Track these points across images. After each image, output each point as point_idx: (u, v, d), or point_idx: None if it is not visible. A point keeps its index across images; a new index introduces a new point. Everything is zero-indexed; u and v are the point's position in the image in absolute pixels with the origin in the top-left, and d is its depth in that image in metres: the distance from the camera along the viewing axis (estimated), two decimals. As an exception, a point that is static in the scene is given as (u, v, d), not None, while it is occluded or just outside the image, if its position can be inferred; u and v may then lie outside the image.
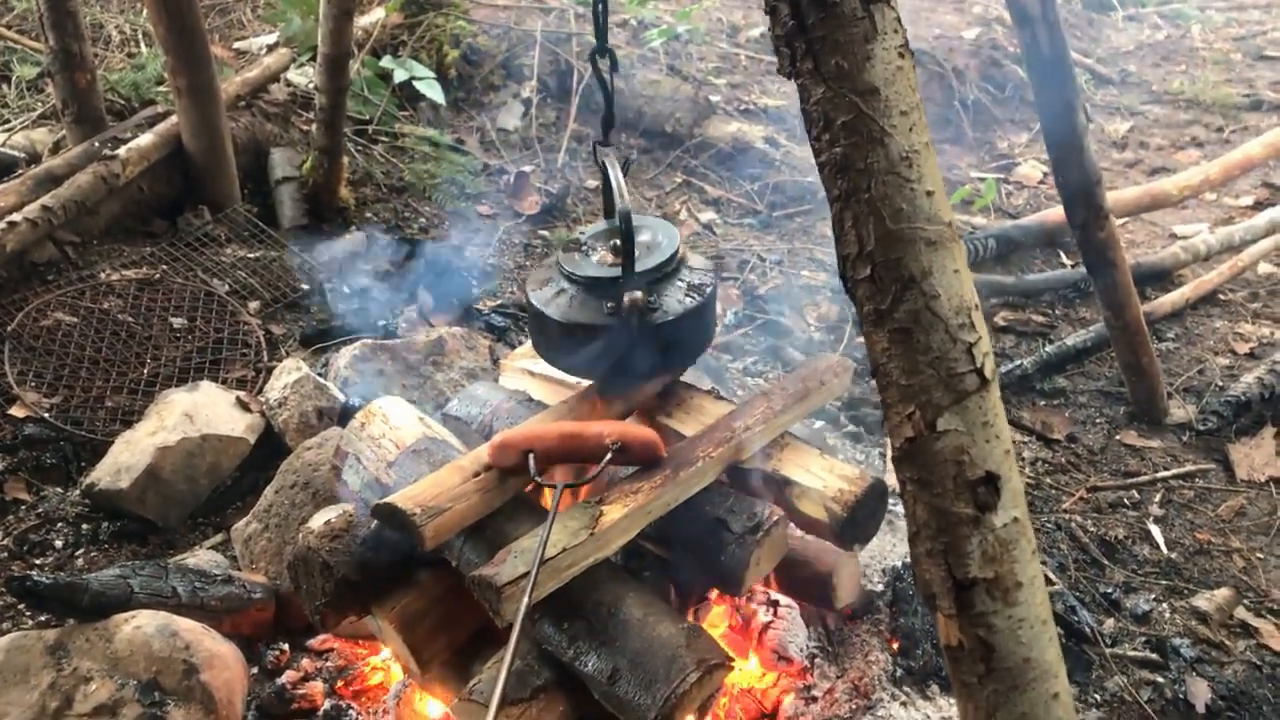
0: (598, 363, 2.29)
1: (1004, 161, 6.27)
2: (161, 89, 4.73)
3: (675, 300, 2.24)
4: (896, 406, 1.20)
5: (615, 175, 2.17)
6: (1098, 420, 3.76)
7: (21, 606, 2.65)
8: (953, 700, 2.24)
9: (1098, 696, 2.54)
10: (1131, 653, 2.68)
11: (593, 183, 5.39)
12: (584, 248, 2.39)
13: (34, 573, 2.54)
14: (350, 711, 2.32)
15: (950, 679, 1.31)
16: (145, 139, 4.26)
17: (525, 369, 2.77)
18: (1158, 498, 3.33)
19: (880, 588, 2.71)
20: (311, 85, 5.01)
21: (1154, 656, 2.67)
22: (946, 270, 1.17)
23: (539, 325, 2.35)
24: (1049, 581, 2.87)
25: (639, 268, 2.21)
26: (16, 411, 3.24)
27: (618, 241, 2.27)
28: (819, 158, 1.20)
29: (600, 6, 2.23)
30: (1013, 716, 1.22)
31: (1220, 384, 3.90)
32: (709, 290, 2.30)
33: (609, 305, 2.21)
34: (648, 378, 2.38)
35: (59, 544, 2.91)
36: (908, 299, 1.16)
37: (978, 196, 5.48)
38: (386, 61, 5.39)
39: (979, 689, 1.23)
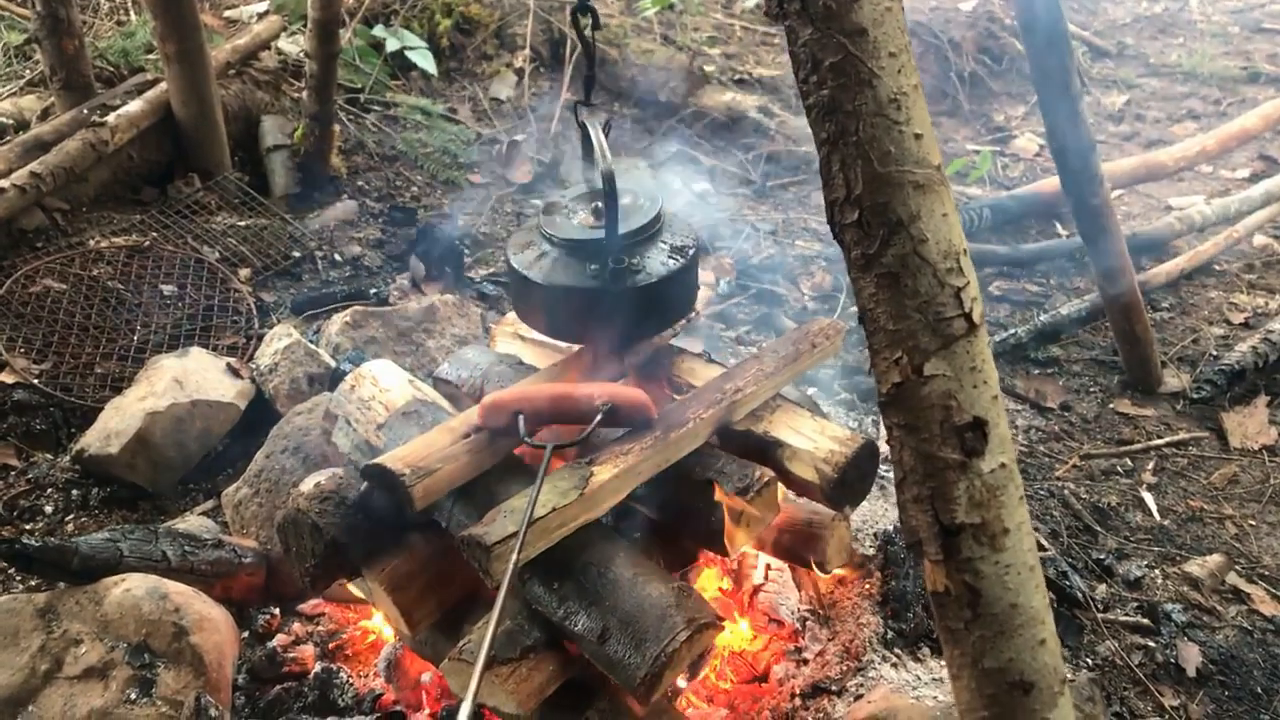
0: (580, 325, 2.28)
1: (1000, 134, 6.25)
2: (151, 56, 4.70)
3: (658, 262, 2.23)
4: (884, 352, 1.19)
5: (596, 135, 2.14)
6: (1092, 389, 3.76)
7: (11, 570, 2.64)
8: (943, 661, 2.24)
9: (1089, 661, 2.55)
10: (1123, 618, 2.69)
11: (585, 150, 5.36)
12: (564, 210, 2.37)
13: (23, 537, 2.53)
14: (341, 674, 2.31)
15: (937, 626, 1.31)
16: (134, 106, 4.23)
17: (516, 333, 2.76)
18: (1151, 465, 3.32)
19: (871, 551, 2.70)
20: (302, 53, 4.97)
21: (1146, 621, 2.67)
22: (935, 214, 1.16)
23: (521, 289, 2.33)
24: (1042, 548, 2.88)
25: (621, 230, 2.19)
26: (6, 378, 3.22)
27: (599, 204, 2.25)
28: (807, 101, 1.18)
29: (582, -35, 2.21)
30: (999, 662, 1.22)
31: (1214, 353, 3.89)
32: (692, 251, 2.28)
33: (591, 268, 2.19)
34: (632, 340, 2.37)
35: (49, 509, 2.90)
36: (895, 243, 1.15)
37: (973, 168, 5.45)
38: (378, 30, 5.35)
39: (965, 635, 1.23)
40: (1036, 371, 3.87)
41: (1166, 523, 3.08)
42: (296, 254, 4.13)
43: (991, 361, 1.20)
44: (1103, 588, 2.80)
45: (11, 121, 4.30)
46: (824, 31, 1.13)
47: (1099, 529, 3.03)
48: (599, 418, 2.04)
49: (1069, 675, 2.43)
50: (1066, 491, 3.16)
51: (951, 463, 1.17)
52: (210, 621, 2.27)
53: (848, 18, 1.13)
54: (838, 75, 1.14)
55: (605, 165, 2.06)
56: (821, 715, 2.24)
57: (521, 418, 2.04)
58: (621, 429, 2.11)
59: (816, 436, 2.18)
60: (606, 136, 2.15)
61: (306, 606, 2.57)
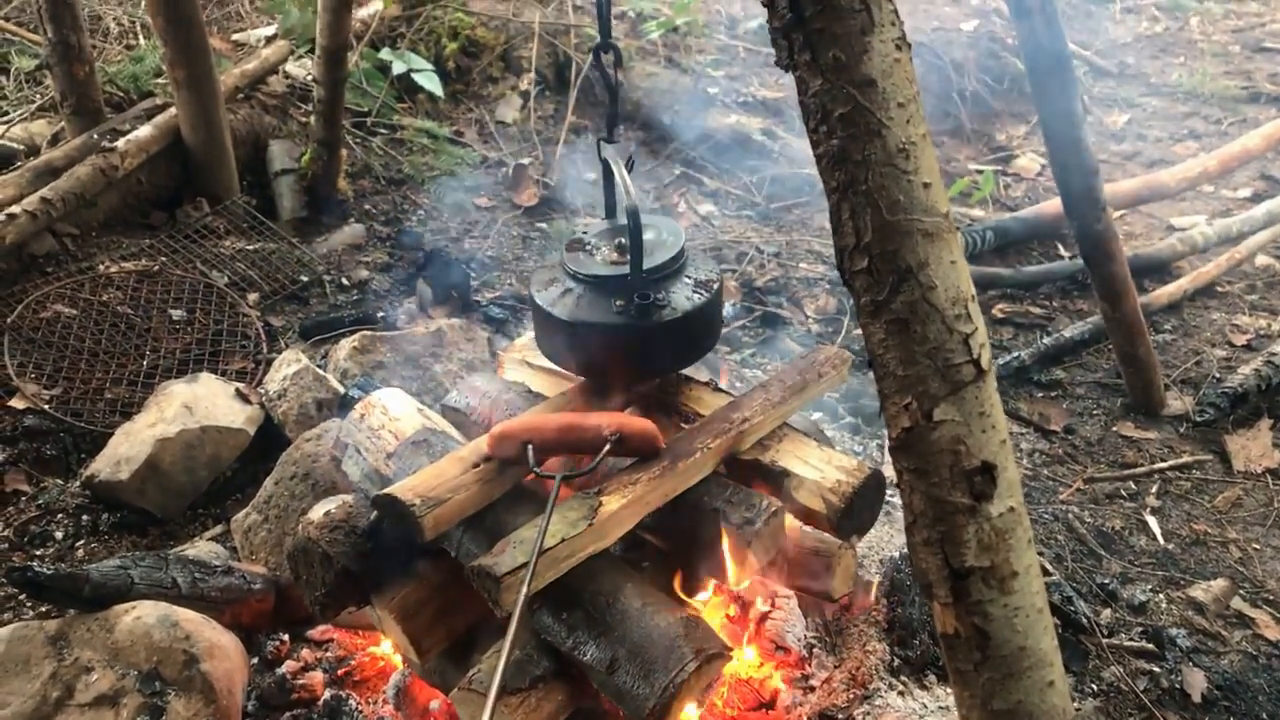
0: (607, 362, 2.29)
1: (1002, 153, 6.27)
2: (160, 81, 4.73)
3: (683, 297, 2.24)
4: (894, 397, 1.21)
5: (620, 173, 2.16)
6: (1095, 412, 3.77)
7: (22, 597, 2.66)
8: (949, 689, 2.25)
9: (1094, 686, 2.55)
10: (1128, 643, 2.69)
11: (591, 175, 5.40)
12: (588, 247, 2.38)
13: (35, 563, 2.55)
14: (350, 701, 2.32)
15: (947, 667, 1.32)
16: (144, 131, 4.27)
17: (525, 360, 2.78)
18: (1154, 489, 3.33)
19: (878, 578, 2.71)
20: (310, 77, 5.01)
21: (1150, 647, 2.68)
22: (943, 261, 1.18)
23: (545, 325, 2.34)
24: (1046, 572, 2.88)
25: (645, 265, 2.21)
26: (16, 403, 3.24)
27: (623, 240, 2.26)
28: (816, 150, 1.20)
29: (604, 1, 2.23)
30: (1008, 704, 1.23)
31: (1217, 375, 3.91)
32: (716, 286, 2.30)
33: (617, 304, 2.21)
34: (658, 376, 2.39)
35: (59, 535, 2.92)
36: (905, 290, 1.17)
37: (976, 189, 5.48)
38: (385, 54, 5.39)
39: (975, 677, 1.24)
40: (1040, 394, 3.88)
41: (1170, 547, 3.09)
42: (304, 278, 4.16)
43: (1000, 406, 1.22)
44: (1107, 612, 2.81)
45: (22, 147, 4.33)
46: (833, 83, 1.15)
47: (1103, 553, 3.04)
48: (607, 447, 2.05)
49: (1075, 705, 2.44)
50: (1070, 515, 3.17)
51: (961, 507, 1.19)
52: (220, 649, 2.29)
53: (857, 69, 1.15)
54: (847, 126, 1.16)
55: (630, 202, 2.08)
56: (829, 743, 2.25)
57: (530, 447, 2.06)
58: (629, 458, 2.13)
59: (823, 466, 2.19)
60: (629, 173, 2.17)
61: (315, 632, 2.58)
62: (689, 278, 2.30)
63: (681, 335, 2.24)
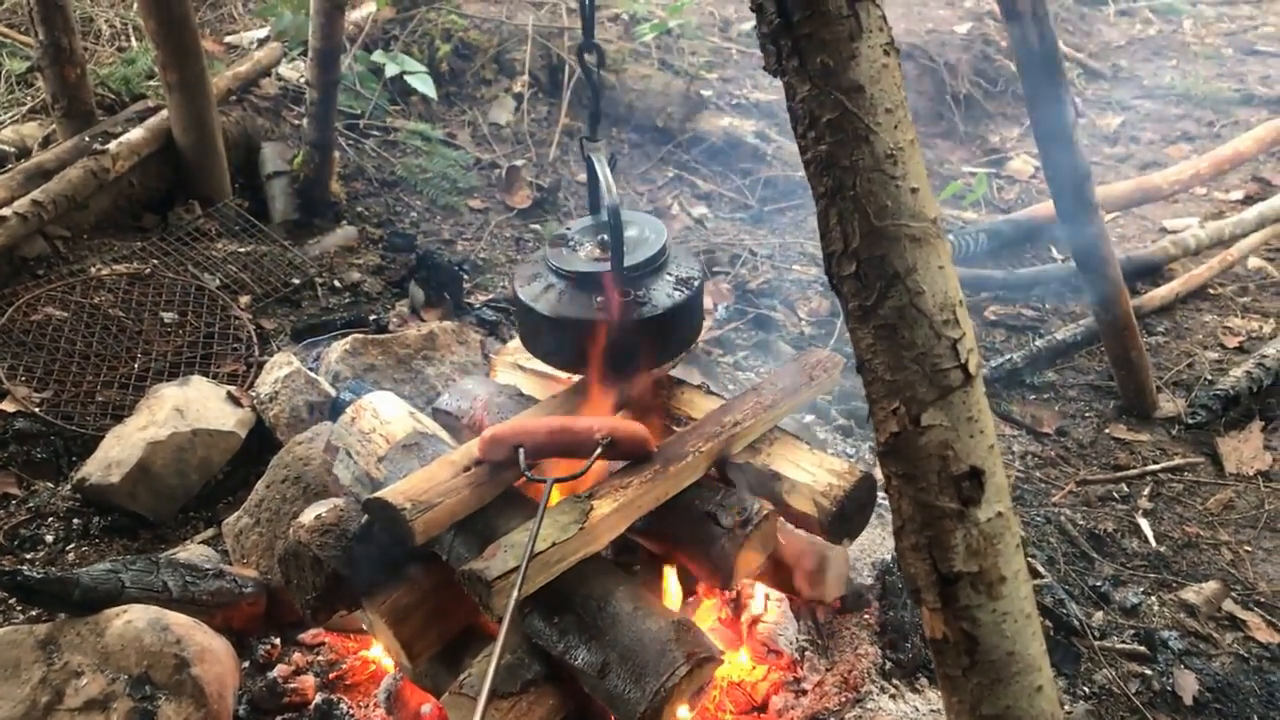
0: (586, 357, 2.30)
1: (995, 156, 6.28)
2: (152, 83, 4.73)
3: (664, 294, 2.26)
4: (881, 402, 1.21)
5: (603, 171, 2.18)
6: (1087, 414, 3.78)
7: (12, 601, 2.65)
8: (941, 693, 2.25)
9: (1086, 689, 2.56)
10: (1120, 645, 2.70)
11: (584, 177, 5.39)
12: (571, 243, 2.40)
13: (25, 567, 2.54)
14: (341, 705, 2.32)
15: (935, 672, 1.32)
16: (136, 133, 4.26)
17: (516, 364, 2.78)
18: (1146, 491, 3.34)
19: (870, 581, 2.71)
20: (303, 80, 5.00)
21: (1142, 649, 2.68)
22: (931, 266, 1.18)
23: (527, 320, 2.36)
24: (1038, 575, 2.89)
25: (627, 262, 2.22)
26: (7, 406, 3.23)
27: (605, 236, 2.28)
28: (804, 155, 1.20)
29: (587, 1, 2.24)
30: (997, 709, 1.23)
31: (1209, 378, 3.91)
32: (697, 284, 2.31)
33: (598, 300, 2.22)
34: (636, 371, 2.39)
35: (49, 538, 2.91)
36: (892, 295, 1.17)
37: (969, 191, 5.48)
38: (378, 56, 5.39)
39: (963, 682, 1.24)
40: (1032, 397, 3.89)
41: (1163, 549, 3.09)
42: (296, 281, 4.15)
43: (988, 411, 1.22)
44: (1099, 615, 2.81)
45: (13, 149, 4.32)
46: (821, 88, 1.15)
47: (1095, 555, 3.04)
48: (598, 451, 2.05)
49: (1067, 707, 2.44)
50: (1063, 518, 3.17)
51: (949, 512, 1.19)
52: (211, 653, 2.28)
53: (845, 75, 1.15)
54: (835, 131, 1.16)
55: (610, 199, 2.09)
56: (820, 747, 2.25)
57: (522, 451, 2.06)
58: (621, 462, 2.13)
59: (815, 470, 2.19)
60: (612, 171, 2.18)
61: (307, 636, 2.58)
62: (670, 275, 2.31)
63: (661, 331, 2.26)
